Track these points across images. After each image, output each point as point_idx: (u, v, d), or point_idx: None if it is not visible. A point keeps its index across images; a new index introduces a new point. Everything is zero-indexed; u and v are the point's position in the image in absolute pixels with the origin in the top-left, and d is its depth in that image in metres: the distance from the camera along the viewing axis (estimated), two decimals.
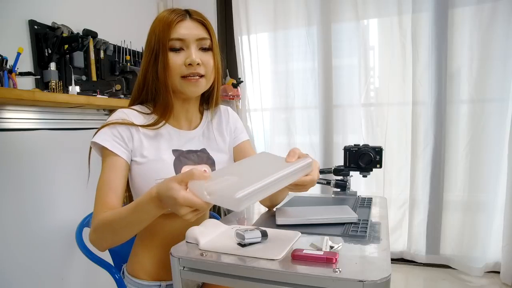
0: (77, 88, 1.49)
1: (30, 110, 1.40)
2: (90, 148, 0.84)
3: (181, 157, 0.86)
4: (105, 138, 0.80)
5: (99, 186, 0.78)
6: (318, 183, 1.19)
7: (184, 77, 0.81)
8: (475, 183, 2.02)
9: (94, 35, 1.70)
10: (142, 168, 0.82)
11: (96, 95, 1.60)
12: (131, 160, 0.83)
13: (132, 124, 0.83)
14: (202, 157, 0.90)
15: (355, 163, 1.14)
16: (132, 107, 0.88)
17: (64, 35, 1.55)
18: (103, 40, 1.80)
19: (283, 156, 0.70)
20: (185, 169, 0.85)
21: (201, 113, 0.97)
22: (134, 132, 0.83)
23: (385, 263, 0.57)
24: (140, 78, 0.87)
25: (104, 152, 0.81)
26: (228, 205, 0.56)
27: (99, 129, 0.82)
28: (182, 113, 0.90)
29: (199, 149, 0.91)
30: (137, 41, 2.01)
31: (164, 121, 0.86)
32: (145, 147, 0.83)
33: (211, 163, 0.91)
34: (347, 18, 2.18)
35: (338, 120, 2.28)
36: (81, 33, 1.64)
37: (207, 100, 0.96)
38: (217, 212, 1.96)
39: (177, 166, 0.84)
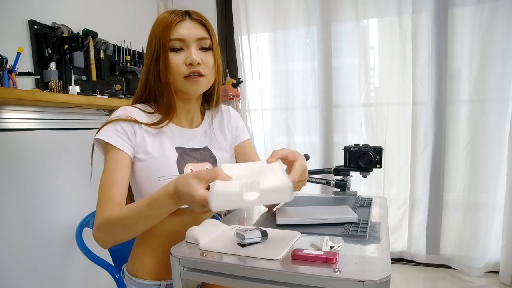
0: (77, 88, 1.49)
1: (30, 110, 1.40)
2: (93, 147, 0.84)
3: (184, 155, 0.86)
4: (108, 134, 0.80)
5: (103, 182, 0.78)
6: (318, 183, 1.19)
7: (185, 77, 0.82)
8: (475, 183, 2.01)
9: (94, 35, 1.70)
10: (144, 165, 0.82)
11: (96, 95, 1.60)
12: (134, 156, 0.83)
13: (135, 121, 0.83)
14: (205, 155, 0.91)
15: (355, 163, 1.14)
16: (135, 105, 0.89)
17: (64, 35, 1.55)
18: (103, 40, 1.80)
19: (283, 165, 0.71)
20: (188, 167, 0.85)
21: (203, 114, 0.97)
22: (136, 129, 0.83)
23: (385, 263, 0.57)
24: (143, 79, 0.87)
25: (107, 148, 0.81)
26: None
27: (102, 126, 0.82)
28: (183, 113, 0.91)
29: (201, 147, 0.91)
30: (137, 41, 2.01)
31: (167, 121, 0.87)
32: (148, 144, 0.83)
33: (213, 161, 0.91)
34: (347, 18, 2.18)
35: (338, 120, 2.28)
36: (81, 33, 1.64)
37: (208, 100, 0.97)
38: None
39: (180, 164, 0.84)
